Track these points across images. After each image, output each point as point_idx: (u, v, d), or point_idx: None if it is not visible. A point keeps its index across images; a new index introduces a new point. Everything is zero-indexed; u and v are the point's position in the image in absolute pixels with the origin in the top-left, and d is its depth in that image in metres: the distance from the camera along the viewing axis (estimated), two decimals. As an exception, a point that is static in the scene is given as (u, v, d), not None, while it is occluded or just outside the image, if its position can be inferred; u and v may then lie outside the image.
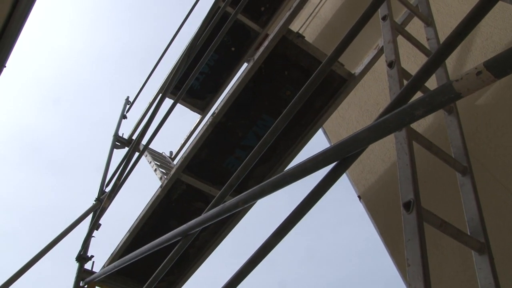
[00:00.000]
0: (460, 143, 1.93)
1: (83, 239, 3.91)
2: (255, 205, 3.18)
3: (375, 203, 3.26)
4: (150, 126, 4.00)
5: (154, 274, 2.22)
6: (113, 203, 4.12)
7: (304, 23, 5.48)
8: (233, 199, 1.69)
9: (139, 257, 2.50)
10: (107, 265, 3.52)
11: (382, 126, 1.21)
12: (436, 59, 1.30)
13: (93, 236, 3.96)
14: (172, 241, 2.20)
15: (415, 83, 1.34)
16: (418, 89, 1.38)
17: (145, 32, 17.90)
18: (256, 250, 1.53)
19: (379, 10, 2.20)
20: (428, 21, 2.55)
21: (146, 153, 4.92)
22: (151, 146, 5.42)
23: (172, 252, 2.15)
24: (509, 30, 2.67)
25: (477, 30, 2.86)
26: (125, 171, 3.95)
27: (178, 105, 5.30)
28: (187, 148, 3.15)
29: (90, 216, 4.36)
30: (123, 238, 3.51)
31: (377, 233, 3.09)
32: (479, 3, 1.24)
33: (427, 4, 2.70)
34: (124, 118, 6.21)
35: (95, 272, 3.61)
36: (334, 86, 3.04)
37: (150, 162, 4.70)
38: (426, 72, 1.32)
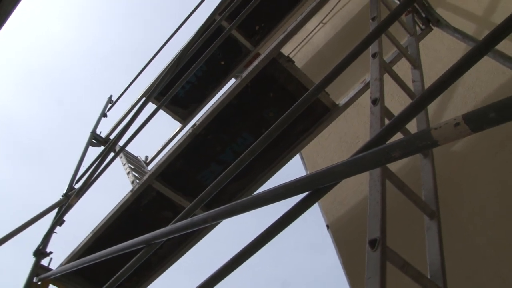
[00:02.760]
0: (431, 187, 1.96)
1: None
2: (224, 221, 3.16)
3: (343, 234, 3.28)
4: (130, 128, 3.97)
5: (112, 279, 2.18)
6: (82, 202, 4.05)
7: (296, 47, 5.56)
8: (203, 214, 1.68)
9: (99, 260, 2.45)
10: (65, 264, 3.44)
11: (358, 163, 1.22)
12: (418, 104, 1.33)
13: (55, 232, 3.87)
14: (135, 248, 2.17)
15: (396, 124, 1.37)
16: (398, 130, 1.41)
17: (138, 35, 17.83)
18: (211, 275, 1.53)
19: (370, 46, 2.25)
20: (416, 64, 2.61)
21: (121, 154, 4.87)
22: (127, 148, 5.38)
23: (133, 260, 2.12)
24: (490, 83, 2.75)
25: (461, 79, 2.92)
26: (97, 170, 3.89)
27: (160, 111, 5.29)
28: (163, 156, 3.13)
29: (55, 211, 4.27)
30: (85, 238, 3.45)
31: (340, 265, 3.10)
32: (466, 55, 1.28)
33: (417, 47, 2.77)
34: (104, 117, 6.13)
35: (52, 269, 3.52)
36: (317, 113, 3.07)
37: (124, 165, 4.65)
38: (407, 115, 1.35)
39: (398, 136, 1.55)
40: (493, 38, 1.27)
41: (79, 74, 16.83)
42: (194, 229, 1.81)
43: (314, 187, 1.35)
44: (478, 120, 0.99)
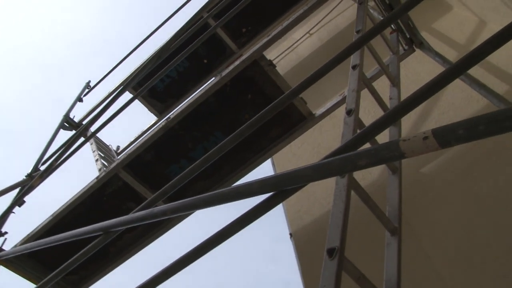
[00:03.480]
0: (396, 203, 1.96)
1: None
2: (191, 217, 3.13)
3: (305, 244, 3.26)
4: (103, 115, 3.90)
5: (64, 264, 2.11)
6: (48, 186, 3.96)
7: (280, 54, 5.56)
8: (162, 206, 1.64)
9: (53, 244, 2.38)
10: (20, 245, 3.34)
11: (324, 168, 1.21)
12: (390, 116, 1.32)
13: (13, 212, 3.76)
14: (92, 235, 2.11)
15: (366, 134, 1.36)
16: (368, 140, 1.39)
17: (135, 26, 17.65)
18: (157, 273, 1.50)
19: (352, 58, 2.25)
20: (395, 82, 2.62)
21: (92, 141, 4.78)
22: (102, 137, 5.29)
23: (88, 247, 2.06)
24: (464, 109, 2.80)
25: (436, 103, 2.98)
26: (65, 153, 3.80)
27: (138, 104, 5.23)
28: (133, 146, 3.07)
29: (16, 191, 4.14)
30: (44, 221, 3.35)
31: (299, 274, 3.09)
32: (441, 74, 1.28)
33: (398, 66, 2.79)
34: (79, 101, 6.02)
35: (4, 250, 3.41)
36: (292, 121, 3.06)
37: (94, 151, 4.56)
38: (379, 126, 1.34)
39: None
40: (467, 61, 1.29)
41: (65, 59, 16.57)
42: (153, 220, 1.77)
43: (279, 188, 1.32)
44: (446, 135, 0.99)
